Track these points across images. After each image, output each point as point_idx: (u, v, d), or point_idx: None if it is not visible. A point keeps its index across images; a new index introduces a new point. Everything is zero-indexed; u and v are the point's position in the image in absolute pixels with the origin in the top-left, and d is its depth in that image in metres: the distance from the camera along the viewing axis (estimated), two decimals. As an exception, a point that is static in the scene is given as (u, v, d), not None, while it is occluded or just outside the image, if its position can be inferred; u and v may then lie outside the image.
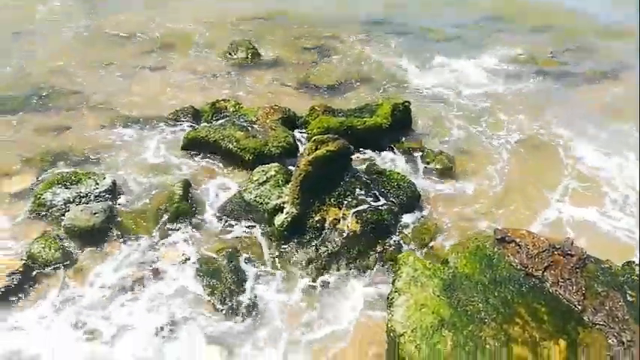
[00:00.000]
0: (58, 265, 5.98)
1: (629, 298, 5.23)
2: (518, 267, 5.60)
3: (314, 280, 6.04)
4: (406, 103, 8.91)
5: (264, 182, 6.96)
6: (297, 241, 6.42)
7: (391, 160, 8.04)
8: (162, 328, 5.39)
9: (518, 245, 5.77)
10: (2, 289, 5.56)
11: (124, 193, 7.11)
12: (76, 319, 5.46)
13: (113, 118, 8.96)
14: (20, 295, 5.64)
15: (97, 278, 5.91)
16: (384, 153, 8.14)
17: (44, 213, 6.63)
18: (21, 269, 5.77)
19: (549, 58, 12.09)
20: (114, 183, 7.02)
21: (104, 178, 7.02)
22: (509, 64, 11.64)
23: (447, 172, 7.87)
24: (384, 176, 7.22)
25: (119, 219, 6.64)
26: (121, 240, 6.39)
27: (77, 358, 5.11)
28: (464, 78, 10.80)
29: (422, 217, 6.96)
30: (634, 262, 5.64)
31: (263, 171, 7.10)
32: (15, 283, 5.67)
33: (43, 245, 6.09)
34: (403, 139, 8.55)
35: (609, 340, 4.93)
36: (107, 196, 6.84)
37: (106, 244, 6.32)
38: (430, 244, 6.53)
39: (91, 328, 5.39)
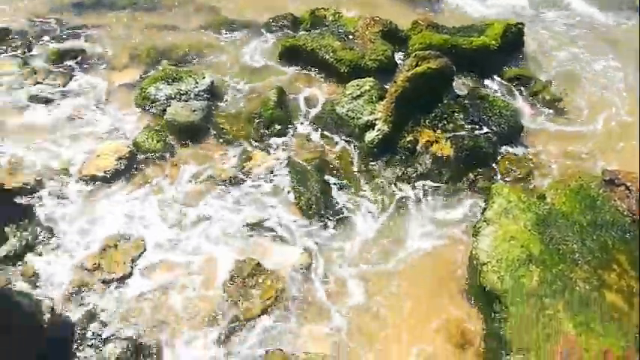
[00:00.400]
0: (158, 155, 6.37)
1: None
2: (625, 213, 5.16)
3: (399, 200, 5.97)
4: (519, 25, 8.11)
5: (358, 97, 6.78)
6: (387, 159, 6.31)
7: (496, 86, 7.48)
8: (247, 224, 5.66)
9: (629, 190, 5.28)
10: (110, 170, 6.05)
11: (221, 94, 7.26)
12: (166, 206, 5.87)
13: (216, 21, 9.00)
14: (123, 177, 6.12)
15: (191, 172, 6.24)
16: (489, 77, 7.57)
17: (148, 106, 6.98)
18: (127, 155, 6.21)
19: None
20: (212, 83, 7.18)
21: (204, 78, 7.20)
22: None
23: (555, 105, 7.22)
24: (487, 102, 6.76)
25: (215, 119, 6.85)
26: (216, 139, 6.63)
27: (162, 241, 5.54)
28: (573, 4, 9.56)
29: (523, 149, 6.52)
30: None
31: (357, 85, 6.89)
32: (121, 166, 6.13)
33: (146, 136, 6.47)
34: (512, 64, 7.87)
35: None
36: (206, 95, 7.04)
37: (202, 142, 6.59)
38: (527, 179, 6.15)
39: (179, 217, 5.76)
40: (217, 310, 5.00)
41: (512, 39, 7.98)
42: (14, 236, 5.51)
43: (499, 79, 7.61)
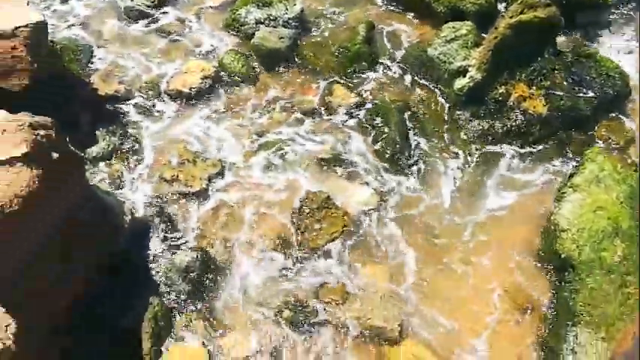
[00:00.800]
0: (241, 79, 6.41)
1: None
2: None
3: (482, 154, 5.72)
4: (649, -24, 7.21)
5: (452, 40, 6.39)
6: (474, 109, 5.99)
7: (607, 44, 6.77)
8: (322, 157, 5.66)
9: None
10: (195, 87, 6.20)
11: (310, 22, 7.08)
12: (244, 129, 5.98)
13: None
14: (206, 96, 6.24)
15: (272, 99, 6.25)
16: (600, 34, 6.86)
17: (237, 28, 6.96)
18: (212, 74, 6.30)
19: None
20: (302, 11, 7.00)
21: (294, 5, 7.02)
22: None
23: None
24: (593, 61, 6.18)
25: (302, 48, 6.72)
26: (300, 69, 6.54)
27: (237, 163, 5.70)
28: None
29: (627, 117, 5.97)
30: None
31: (454, 27, 6.48)
32: (206, 85, 6.24)
33: (232, 58, 6.51)
34: (630, 21, 7.07)
35: None
36: (294, 23, 6.88)
37: (286, 70, 6.54)
38: (626, 149, 5.66)
39: (256, 142, 5.85)
40: (284, 236, 5.13)
41: (636, -7, 7.14)
42: (103, 140, 5.84)
43: (613, 36, 6.87)
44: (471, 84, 5.96)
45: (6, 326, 2.47)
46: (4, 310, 2.62)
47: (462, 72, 6.11)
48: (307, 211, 5.17)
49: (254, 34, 6.73)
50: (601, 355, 3.97)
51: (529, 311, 4.60)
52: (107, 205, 4.90)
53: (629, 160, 5.52)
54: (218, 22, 7.17)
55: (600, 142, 5.71)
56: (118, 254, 4.80)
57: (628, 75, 6.12)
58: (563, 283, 4.56)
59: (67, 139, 4.25)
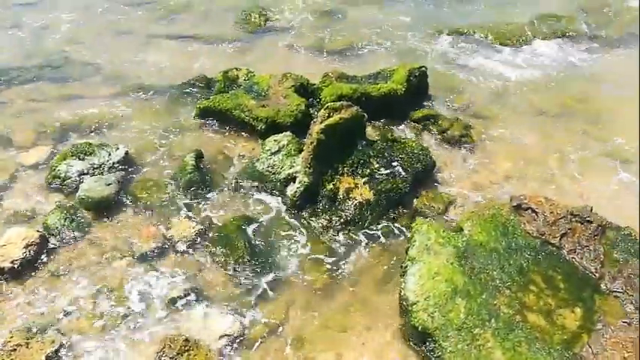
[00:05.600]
0: (72, 237, 6.05)
1: (649, 266, 5.09)
2: (535, 234, 5.48)
3: (326, 249, 6.01)
4: (422, 69, 8.63)
5: (277, 152, 6.88)
6: (310, 210, 6.38)
7: (407, 128, 7.86)
8: (172, 298, 5.44)
9: (535, 212, 5.64)
10: (18, 260, 5.63)
11: (137, 163, 7.10)
12: (83, 291, 5.54)
13: (126, 88, 8.88)
14: (34, 266, 5.73)
15: (110, 249, 5.97)
16: (399, 120, 7.95)
17: (59, 185, 6.69)
18: (37, 240, 5.83)
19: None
20: (127, 153, 7.02)
21: (117, 149, 7.03)
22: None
23: (463, 140, 7.66)
24: (399, 144, 7.06)
25: (133, 189, 6.66)
26: (135, 211, 6.42)
27: (83, 329, 5.24)
28: (480, 44, 10.35)
29: (437, 185, 6.84)
30: (656, 229, 5.46)
31: (275, 140, 7.01)
32: (30, 254, 5.72)
33: (58, 217, 6.16)
34: (419, 105, 8.33)
35: (626, 308, 4.83)
36: (121, 167, 6.87)
37: (119, 215, 6.37)
38: (445, 213, 6.42)
39: (98, 302, 5.46)
40: (149, 394, 4.71)
41: (417, 82, 8.45)
42: None
43: (408, 120, 8.00)
44: (302, 188, 6.38)
45: None
46: None
47: (292, 179, 6.54)
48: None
49: (79, 186, 6.52)
50: (475, 413, 4.20)
51: (407, 391, 4.74)
52: None
53: (450, 222, 6.24)
54: (37, 181, 6.84)
55: (423, 212, 6.38)
56: None
57: (429, 150, 7.08)
58: (428, 354, 4.80)
59: None
